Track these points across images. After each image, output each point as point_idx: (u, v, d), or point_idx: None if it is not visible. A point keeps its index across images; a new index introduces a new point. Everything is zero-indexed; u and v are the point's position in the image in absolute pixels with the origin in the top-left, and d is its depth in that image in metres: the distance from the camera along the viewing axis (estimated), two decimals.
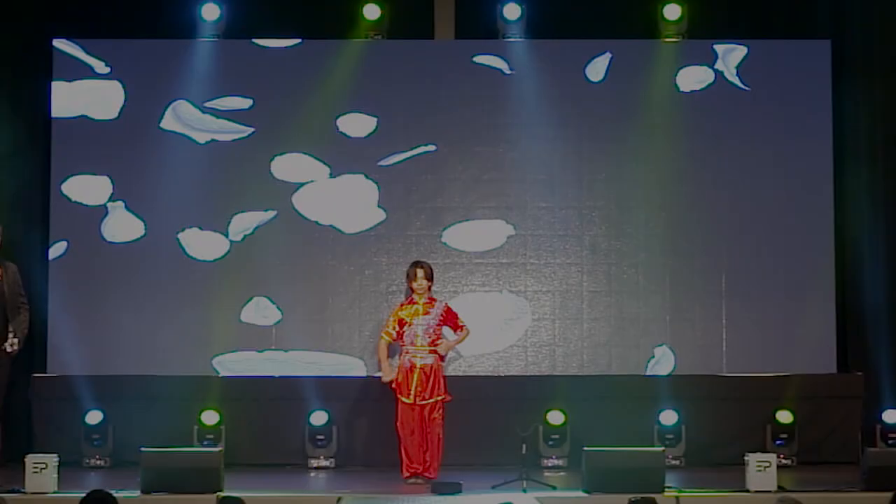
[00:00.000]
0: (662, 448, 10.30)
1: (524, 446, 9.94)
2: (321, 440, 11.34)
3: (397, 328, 10.33)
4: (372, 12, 11.84)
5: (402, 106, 11.91)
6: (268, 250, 11.75)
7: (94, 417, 11.33)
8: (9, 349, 10.15)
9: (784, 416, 11.39)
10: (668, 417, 11.41)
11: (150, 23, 11.81)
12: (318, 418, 11.36)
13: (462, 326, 10.43)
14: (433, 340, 10.25)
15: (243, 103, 11.82)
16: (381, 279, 11.83)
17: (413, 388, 10.15)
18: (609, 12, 11.93)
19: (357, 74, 11.84)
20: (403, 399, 10.18)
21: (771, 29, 12.00)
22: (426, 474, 10.09)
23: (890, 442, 11.26)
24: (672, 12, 11.88)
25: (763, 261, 11.80)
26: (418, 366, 10.18)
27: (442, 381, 10.23)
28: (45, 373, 11.59)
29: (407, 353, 10.24)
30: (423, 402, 10.15)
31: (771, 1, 12.06)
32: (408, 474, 10.18)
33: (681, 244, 11.87)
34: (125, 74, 11.83)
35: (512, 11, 11.83)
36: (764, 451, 10.36)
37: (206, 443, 11.10)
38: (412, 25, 12.06)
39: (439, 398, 10.17)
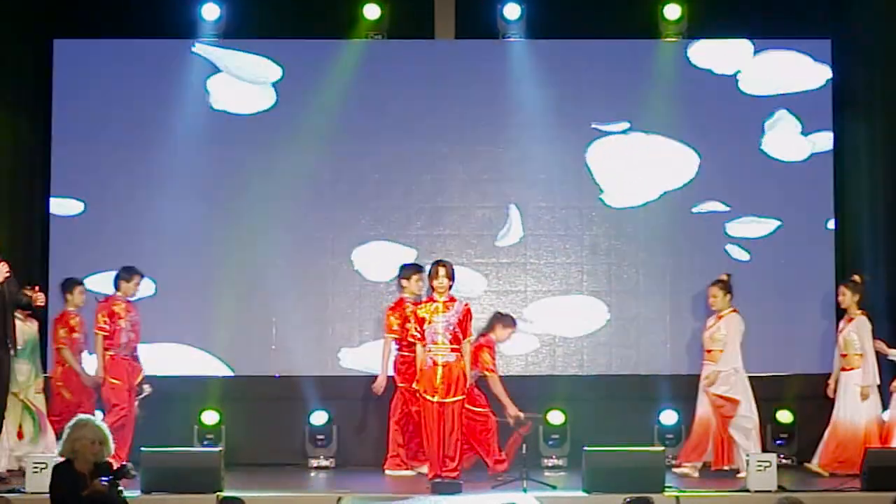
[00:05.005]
0: (662, 448, 10.30)
1: (524, 446, 9.94)
2: (321, 440, 11.34)
3: (419, 328, 10.27)
4: (372, 12, 11.87)
5: (402, 106, 11.92)
6: (267, 250, 11.77)
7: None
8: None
9: (784, 416, 11.39)
10: (668, 417, 11.41)
11: (151, 23, 11.81)
12: (318, 418, 11.37)
13: (465, 338, 10.32)
14: (454, 338, 10.19)
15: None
16: (381, 280, 11.84)
17: (436, 386, 10.09)
18: (609, 12, 11.92)
19: (357, 74, 11.86)
20: (427, 398, 10.13)
21: (771, 29, 11.99)
22: (450, 474, 10.03)
23: None
24: (672, 12, 11.90)
25: (763, 261, 11.80)
26: (440, 363, 10.14)
27: (463, 381, 10.17)
28: (45, 373, 11.58)
29: (429, 351, 10.17)
30: (444, 401, 10.09)
31: (771, 1, 12.06)
32: (431, 475, 10.10)
33: (681, 244, 11.86)
34: (125, 75, 11.84)
35: (512, 11, 11.85)
36: (764, 450, 10.35)
37: (206, 443, 11.11)
38: (412, 25, 12.07)
39: (460, 398, 10.12)
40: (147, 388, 10.70)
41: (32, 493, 9.09)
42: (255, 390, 11.57)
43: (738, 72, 11.94)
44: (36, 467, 9.14)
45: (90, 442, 7.18)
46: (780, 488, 9.30)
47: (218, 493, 8.89)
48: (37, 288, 10.20)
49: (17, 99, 11.69)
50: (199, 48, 11.85)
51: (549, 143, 11.90)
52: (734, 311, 10.67)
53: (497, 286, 11.85)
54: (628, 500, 6.66)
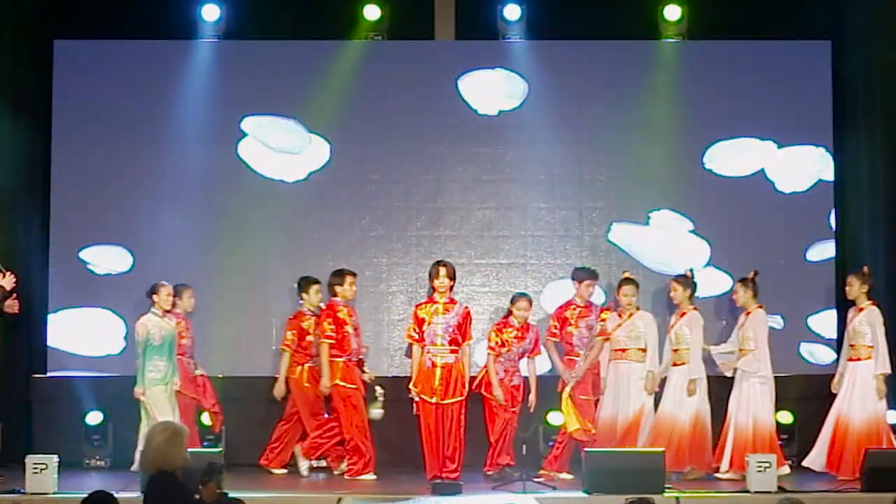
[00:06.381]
0: (662, 448, 10.28)
1: (524, 447, 9.94)
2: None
3: (417, 329, 10.26)
4: (372, 13, 11.87)
5: (402, 106, 11.92)
6: (267, 250, 11.78)
7: (94, 418, 11.35)
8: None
9: (784, 417, 11.37)
10: None
11: (151, 23, 11.81)
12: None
13: (465, 340, 10.34)
14: (453, 339, 10.18)
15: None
16: (380, 279, 11.84)
17: (434, 388, 10.08)
18: (609, 12, 11.92)
19: (357, 74, 11.87)
20: (426, 398, 10.10)
21: (771, 29, 11.99)
22: (450, 476, 10.01)
23: None
24: (672, 13, 11.91)
25: (763, 260, 11.78)
26: (439, 364, 10.13)
27: (461, 381, 10.15)
28: (45, 374, 11.60)
29: (427, 352, 10.17)
30: (443, 402, 10.07)
31: (771, 1, 12.05)
32: (431, 475, 10.10)
33: (681, 245, 11.87)
34: (125, 75, 11.85)
35: (512, 12, 11.85)
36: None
37: (206, 443, 11.08)
38: (412, 25, 12.07)
39: (459, 399, 10.10)
40: (380, 390, 10.67)
41: (32, 493, 9.09)
42: (254, 390, 11.54)
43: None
44: (36, 468, 9.14)
45: (184, 438, 6.71)
46: (780, 489, 9.31)
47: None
48: (15, 295, 10.23)
49: (17, 99, 11.68)
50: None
51: (550, 143, 11.91)
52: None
53: (497, 286, 11.85)
54: (629, 500, 6.64)
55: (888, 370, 10.37)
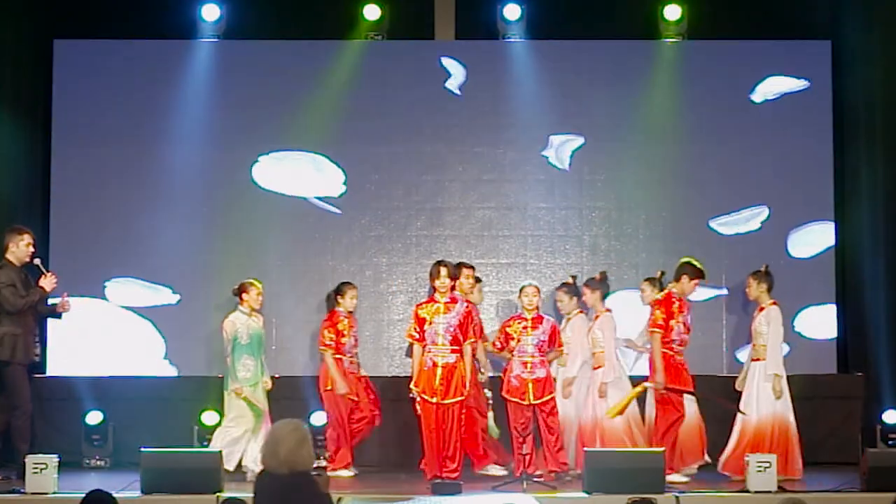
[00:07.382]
0: (663, 448, 10.28)
1: (524, 446, 9.92)
2: (321, 441, 11.30)
3: (418, 328, 10.25)
4: (372, 12, 11.87)
5: (402, 106, 11.93)
6: (267, 250, 11.78)
7: (94, 418, 11.34)
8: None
9: None
10: None
11: (150, 23, 11.81)
12: (317, 418, 11.34)
13: (466, 340, 10.31)
14: (454, 339, 10.16)
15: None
16: (380, 279, 11.85)
17: (435, 387, 10.08)
18: (609, 12, 11.93)
19: (357, 74, 11.87)
20: (427, 398, 10.11)
21: (771, 29, 12.00)
22: (450, 476, 10.00)
23: (890, 442, 11.24)
24: (672, 13, 11.91)
25: (763, 261, 11.77)
26: (440, 364, 10.12)
27: (461, 381, 10.14)
28: (45, 373, 11.59)
29: (429, 352, 10.15)
30: (444, 402, 10.07)
31: (771, 1, 12.06)
32: (431, 475, 10.10)
33: (681, 245, 11.86)
34: (125, 75, 11.85)
35: (512, 12, 11.85)
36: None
37: (206, 443, 11.07)
38: (412, 25, 12.07)
39: (459, 399, 10.09)
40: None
41: (32, 493, 9.08)
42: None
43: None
44: (36, 467, 9.14)
45: (310, 438, 6.44)
46: (780, 489, 9.31)
47: (218, 493, 8.89)
48: (65, 293, 10.26)
49: (17, 99, 11.69)
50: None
51: (550, 143, 11.91)
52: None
53: (497, 286, 11.85)
54: (632, 500, 6.64)
55: (779, 371, 10.33)
